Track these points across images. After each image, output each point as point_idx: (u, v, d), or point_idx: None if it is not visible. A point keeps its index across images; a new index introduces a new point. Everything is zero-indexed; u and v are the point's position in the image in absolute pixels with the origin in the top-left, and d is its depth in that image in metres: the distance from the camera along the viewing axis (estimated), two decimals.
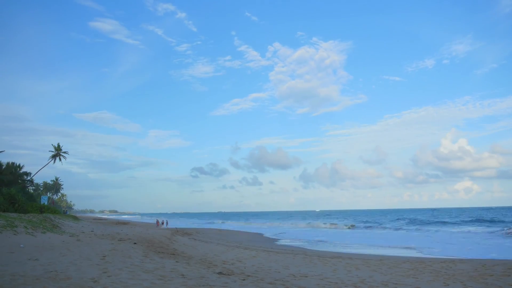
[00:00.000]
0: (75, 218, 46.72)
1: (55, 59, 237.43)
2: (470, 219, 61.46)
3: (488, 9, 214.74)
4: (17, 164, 51.67)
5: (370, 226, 53.72)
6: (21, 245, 13.14)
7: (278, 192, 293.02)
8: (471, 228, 42.49)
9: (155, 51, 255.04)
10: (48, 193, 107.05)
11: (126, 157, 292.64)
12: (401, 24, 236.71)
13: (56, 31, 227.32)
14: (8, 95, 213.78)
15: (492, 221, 53.67)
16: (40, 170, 67.98)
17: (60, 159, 70.51)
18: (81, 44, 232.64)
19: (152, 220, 77.87)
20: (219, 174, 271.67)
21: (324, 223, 63.83)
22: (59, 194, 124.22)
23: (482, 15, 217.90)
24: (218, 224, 76.69)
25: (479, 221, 55.83)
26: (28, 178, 56.42)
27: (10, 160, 51.93)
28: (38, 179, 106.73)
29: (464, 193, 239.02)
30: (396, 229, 46.73)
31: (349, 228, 53.39)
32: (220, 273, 10.31)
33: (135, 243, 17.31)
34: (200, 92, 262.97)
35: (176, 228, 46.53)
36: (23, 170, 52.79)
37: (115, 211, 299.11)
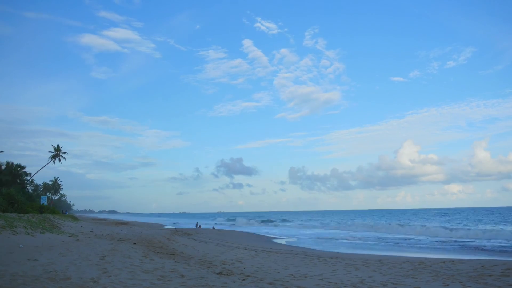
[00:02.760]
0: (75, 218, 46.72)
1: (62, 62, 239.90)
2: None
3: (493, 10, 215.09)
4: (17, 164, 51.69)
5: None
6: (20, 245, 13.14)
7: (279, 193, 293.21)
8: None
9: (164, 57, 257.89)
10: (48, 193, 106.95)
11: (127, 158, 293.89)
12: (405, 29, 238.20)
13: (66, 36, 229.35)
14: (13, 97, 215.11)
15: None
16: (39, 171, 68.17)
17: (59, 160, 70.45)
18: (90, 49, 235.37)
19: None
20: (216, 175, 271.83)
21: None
22: (59, 194, 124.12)
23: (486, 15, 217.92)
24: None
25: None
26: (28, 178, 56.42)
27: (13, 161, 52.01)
28: (38, 180, 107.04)
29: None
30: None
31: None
32: (219, 273, 10.30)
33: (134, 243, 17.31)
34: (202, 94, 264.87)
35: (175, 228, 46.46)
36: (25, 170, 52.88)
37: (115, 211, 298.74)
